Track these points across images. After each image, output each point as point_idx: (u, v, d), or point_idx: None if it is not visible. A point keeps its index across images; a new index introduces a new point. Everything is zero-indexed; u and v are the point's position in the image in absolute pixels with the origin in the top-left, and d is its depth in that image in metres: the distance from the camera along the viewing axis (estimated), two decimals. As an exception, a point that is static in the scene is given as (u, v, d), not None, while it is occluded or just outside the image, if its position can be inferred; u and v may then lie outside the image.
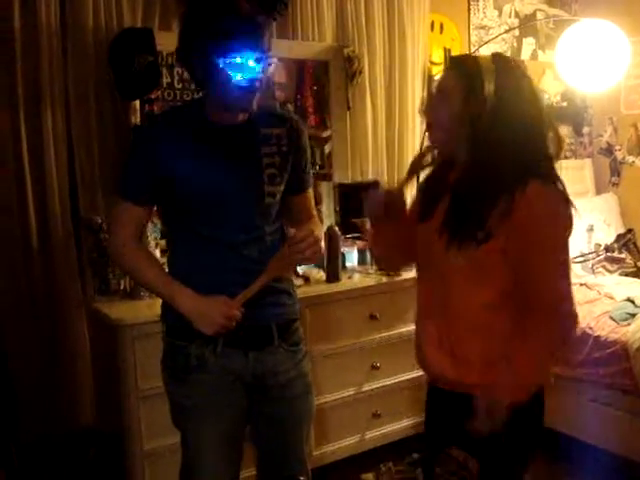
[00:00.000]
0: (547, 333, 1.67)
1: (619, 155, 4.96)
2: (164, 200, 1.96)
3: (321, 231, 2.08)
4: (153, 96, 3.15)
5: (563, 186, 1.71)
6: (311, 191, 2.15)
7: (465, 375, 1.74)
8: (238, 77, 1.77)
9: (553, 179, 1.71)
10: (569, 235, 1.71)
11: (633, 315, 3.33)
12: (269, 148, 1.94)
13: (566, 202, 1.69)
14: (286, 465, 2.08)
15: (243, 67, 1.76)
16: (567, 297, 1.68)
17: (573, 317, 1.69)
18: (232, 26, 1.75)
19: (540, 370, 1.75)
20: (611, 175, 5.01)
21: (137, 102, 3.12)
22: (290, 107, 3.91)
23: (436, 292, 1.80)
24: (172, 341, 1.99)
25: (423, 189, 1.94)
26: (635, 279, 3.96)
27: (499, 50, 4.59)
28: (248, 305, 1.88)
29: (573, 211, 1.70)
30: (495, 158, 1.66)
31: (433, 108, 1.78)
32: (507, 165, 1.65)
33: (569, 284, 1.69)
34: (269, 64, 1.83)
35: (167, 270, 2.02)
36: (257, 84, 1.81)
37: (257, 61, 1.78)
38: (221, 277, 1.92)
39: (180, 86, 3.29)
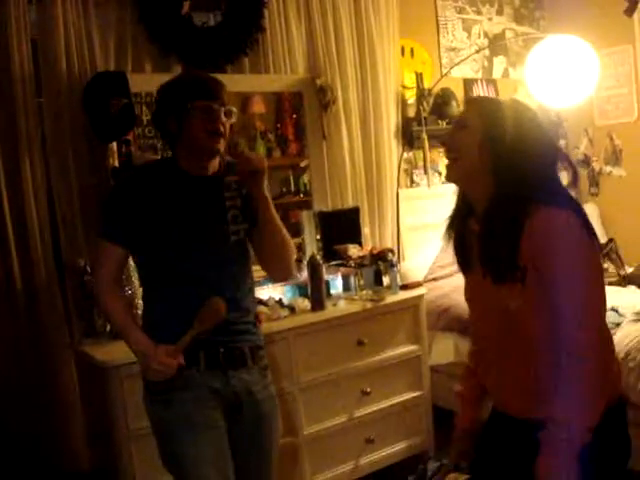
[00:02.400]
0: (581, 382, 1.61)
1: (596, 166, 5.03)
2: (139, 244, 2.10)
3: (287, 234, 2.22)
4: (129, 137, 3.18)
5: (582, 214, 1.70)
6: None
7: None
8: (205, 120, 2.05)
9: (571, 207, 1.70)
10: (592, 261, 1.71)
11: (618, 324, 3.35)
12: (230, 193, 2.16)
13: (581, 231, 1.67)
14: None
15: (209, 109, 2.05)
16: (592, 346, 1.61)
17: (602, 363, 1.64)
18: (199, 80, 2.14)
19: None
20: (590, 186, 5.07)
21: (114, 144, 3.15)
22: (271, 136, 3.96)
23: (504, 333, 1.77)
24: None
25: (455, 241, 1.91)
26: (618, 288, 3.99)
27: (470, 70, 4.68)
28: (225, 332, 2.07)
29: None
30: (519, 188, 1.69)
31: (457, 142, 1.79)
32: (531, 191, 1.68)
33: (594, 326, 1.64)
34: (230, 113, 2.10)
35: (144, 315, 2.20)
36: (222, 128, 2.07)
37: (220, 105, 2.08)
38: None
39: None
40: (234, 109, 2.12)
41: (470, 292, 1.90)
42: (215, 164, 2.15)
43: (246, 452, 2.18)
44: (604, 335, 1.71)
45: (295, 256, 2.29)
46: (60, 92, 3.05)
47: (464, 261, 1.87)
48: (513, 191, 1.68)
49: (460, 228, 1.86)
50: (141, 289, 2.30)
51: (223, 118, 2.07)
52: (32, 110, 2.99)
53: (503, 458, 1.83)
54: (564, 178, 1.85)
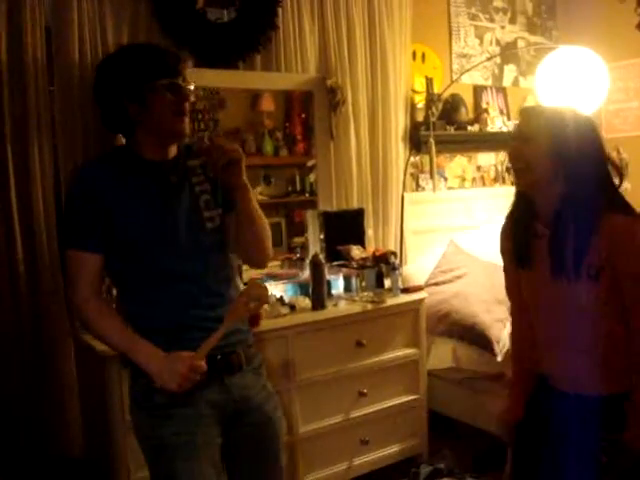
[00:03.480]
0: None
1: (602, 178, 5.02)
2: (111, 244, 1.92)
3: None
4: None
5: None
6: None
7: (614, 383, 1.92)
8: (171, 100, 1.88)
9: (632, 210, 1.92)
10: None
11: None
12: (197, 177, 2.02)
13: None
14: None
15: (173, 87, 1.89)
16: None
17: None
18: (157, 54, 1.93)
19: None
20: (595, 198, 5.07)
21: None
22: (279, 135, 3.98)
23: (575, 325, 1.95)
24: (147, 380, 1.89)
25: (513, 236, 2.06)
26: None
27: (480, 77, 4.68)
28: (208, 329, 1.90)
29: None
30: (588, 189, 1.87)
31: (525, 155, 1.91)
32: (598, 194, 1.87)
33: None
34: (192, 89, 1.94)
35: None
36: (187, 106, 1.92)
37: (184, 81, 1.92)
38: (186, 313, 1.94)
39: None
40: (194, 86, 1.96)
41: (530, 290, 2.06)
42: (174, 147, 2.01)
43: (253, 458, 2.06)
44: None
45: (271, 240, 2.12)
46: (72, 81, 3.06)
47: (524, 261, 2.02)
48: (584, 195, 1.86)
49: (524, 230, 2.00)
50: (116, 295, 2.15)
51: (190, 97, 1.93)
52: (43, 98, 2.99)
53: (576, 434, 1.96)
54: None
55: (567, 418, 1.98)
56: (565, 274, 1.88)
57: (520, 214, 2.03)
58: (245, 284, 2.21)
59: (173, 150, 2.00)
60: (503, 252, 2.14)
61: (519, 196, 2.04)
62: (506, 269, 2.16)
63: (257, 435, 2.06)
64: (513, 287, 2.14)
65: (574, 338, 1.96)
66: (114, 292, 2.50)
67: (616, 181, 1.98)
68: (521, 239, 2.02)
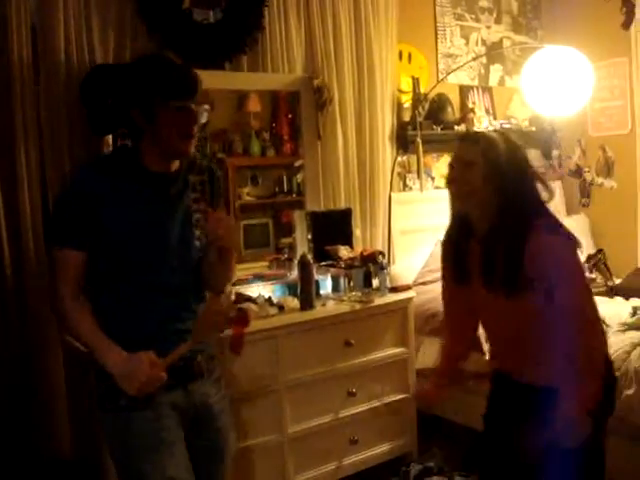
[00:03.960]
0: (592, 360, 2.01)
1: (588, 177, 5.06)
2: (99, 248, 1.92)
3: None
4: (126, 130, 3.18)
5: (566, 230, 2.10)
6: None
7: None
8: (179, 122, 1.88)
9: (558, 225, 2.11)
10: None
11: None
12: (195, 195, 2.04)
13: (572, 244, 2.07)
14: None
15: (185, 110, 1.88)
16: (594, 321, 2.05)
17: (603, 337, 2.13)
18: (176, 73, 1.91)
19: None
20: (581, 196, 5.11)
21: (110, 137, 3.15)
22: (266, 135, 3.98)
23: (516, 328, 2.14)
24: (114, 382, 1.88)
25: (449, 255, 2.27)
26: (606, 298, 4.02)
27: (467, 77, 4.70)
28: (177, 342, 1.93)
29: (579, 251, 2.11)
30: (519, 207, 2.06)
31: (468, 178, 2.09)
32: (528, 210, 2.07)
33: (594, 309, 2.05)
34: (205, 110, 1.94)
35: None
36: (195, 129, 1.93)
37: (197, 104, 1.91)
38: (164, 326, 1.97)
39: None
40: (209, 107, 1.97)
41: (473, 302, 2.23)
42: (177, 160, 2.02)
43: (204, 465, 2.10)
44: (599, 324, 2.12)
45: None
46: (58, 81, 3.04)
47: (461, 275, 2.21)
48: (513, 215, 2.04)
49: (461, 246, 2.19)
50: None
51: (200, 120, 1.93)
52: (29, 97, 2.97)
53: (518, 416, 2.17)
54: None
55: (533, 406, 2.11)
56: (497, 287, 2.06)
57: (456, 235, 2.22)
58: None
59: (176, 163, 2.01)
60: (442, 263, 2.34)
61: (455, 217, 2.22)
62: (443, 275, 2.36)
63: (209, 442, 2.10)
64: (445, 291, 2.37)
65: (516, 338, 2.15)
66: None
67: (545, 195, 2.14)
68: (459, 259, 2.20)
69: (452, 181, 2.15)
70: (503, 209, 2.06)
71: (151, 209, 1.95)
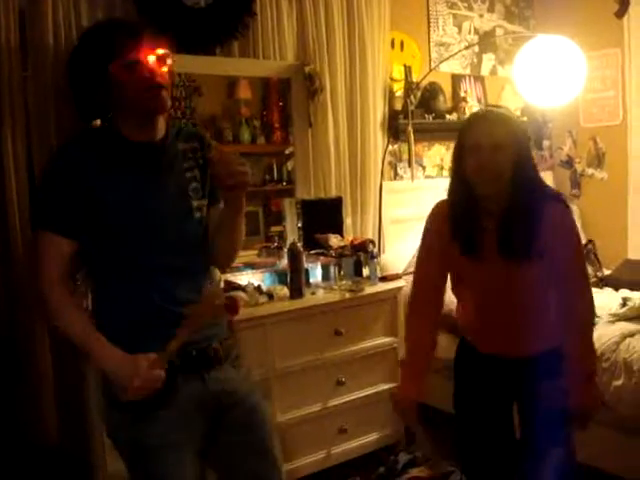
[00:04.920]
0: (590, 317, 2.24)
1: (579, 167, 5.06)
2: (90, 231, 1.81)
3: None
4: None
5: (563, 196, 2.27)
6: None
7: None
8: (143, 74, 1.76)
9: (561, 197, 2.22)
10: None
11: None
12: (188, 163, 1.92)
13: (571, 210, 2.27)
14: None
15: (135, 64, 1.76)
16: (590, 299, 2.20)
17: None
18: (112, 30, 1.81)
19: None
20: (572, 187, 5.10)
21: (98, 121, 3.11)
22: (256, 123, 3.95)
23: (519, 299, 2.21)
24: None
25: (457, 227, 2.21)
26: (595, 289, 4.01)
27: (459, 66, 4.68)
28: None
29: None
30: (533, 189, 2.12)
31: (492, 162, 2.05)
32: (538, 188, 2.14)
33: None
34: (164, 58, 1.81)
35: (99, 322, 1.86)
36: (160, 79, 1.78)
37: (158, 59, 1.79)
38: (160, 308, 1.83)
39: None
40: (165, 51, 1.80)
41: (479, 276, 2.23)
42: (162, 127, 1.87)
43: (242, 452, 1.98)
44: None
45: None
46: (46, 66, 3.00)
47: (473, 251, 2.18)
48: (529, 192, 2.08)
49: (472, 225, 2.16)
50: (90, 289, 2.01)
51: (157, 68, 1.77)
52: (17, 83, 2.93)
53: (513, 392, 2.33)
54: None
55: (528, 377, 2.19)
56: (516, 258, 2.11)
57: (465, 211, 2.18)
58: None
59: (160, 130, 1.87)
60: (435, 231, 2.27)
61: (463, 193, 2.18)
62: (429, 247, 2.30)
63: (244, 428, 1.97)
64: (429, 265, 2.31)
65: (524, 310, 2.21)
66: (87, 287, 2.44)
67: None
68: (469, 232, 2.17)
69: (480, 168, 2.06)
70: (519, 185, 2.08)
71: (139, 180, 1.82)
